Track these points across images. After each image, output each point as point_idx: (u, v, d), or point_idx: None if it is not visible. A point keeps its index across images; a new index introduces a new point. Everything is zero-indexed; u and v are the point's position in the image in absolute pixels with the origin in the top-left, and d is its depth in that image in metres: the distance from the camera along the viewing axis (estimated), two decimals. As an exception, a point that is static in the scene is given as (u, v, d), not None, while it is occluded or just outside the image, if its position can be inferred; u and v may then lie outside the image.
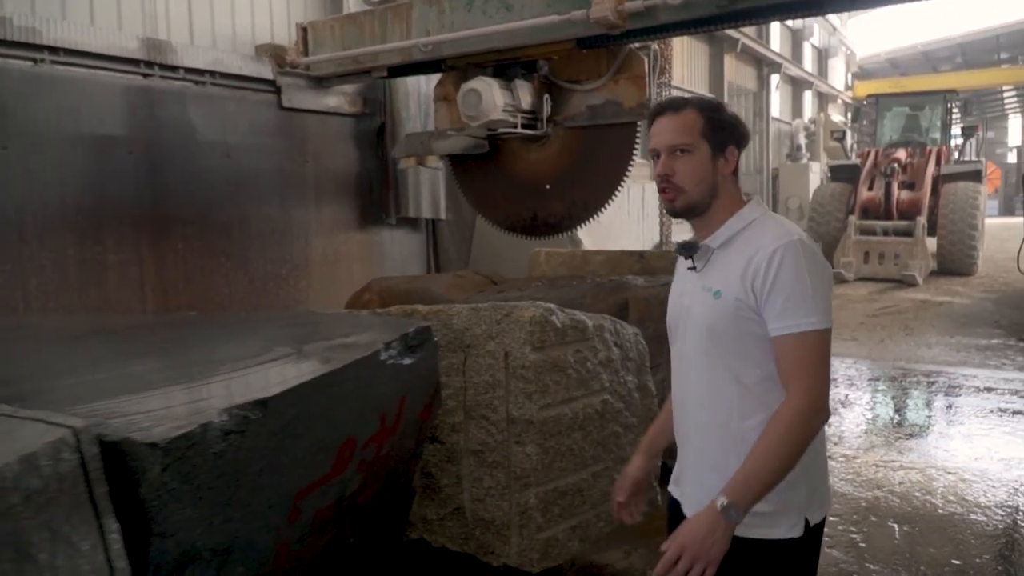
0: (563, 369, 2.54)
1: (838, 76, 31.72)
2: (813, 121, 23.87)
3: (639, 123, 5.51)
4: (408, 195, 7.43)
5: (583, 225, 5.98)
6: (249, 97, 6.16)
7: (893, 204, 13.05)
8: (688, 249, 1.70)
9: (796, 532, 1.62)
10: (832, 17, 30.22)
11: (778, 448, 1.52)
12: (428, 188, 7.60)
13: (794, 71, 24.33)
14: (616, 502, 1.86)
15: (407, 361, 2.02)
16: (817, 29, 28.12)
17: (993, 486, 4.00)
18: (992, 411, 5.39)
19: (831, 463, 4.17)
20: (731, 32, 18.24)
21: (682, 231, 13.29)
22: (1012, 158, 40.89)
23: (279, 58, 6.42)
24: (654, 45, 5.58)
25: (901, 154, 13.82)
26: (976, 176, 13.82)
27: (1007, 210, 34.15)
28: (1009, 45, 30.48)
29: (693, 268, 1.70)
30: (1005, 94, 36.62)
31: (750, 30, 20.30)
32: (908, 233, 12.40)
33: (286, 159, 6.50)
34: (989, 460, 4.40)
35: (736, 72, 20.03)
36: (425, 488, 2.67)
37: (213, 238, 5.92)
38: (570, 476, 2.59)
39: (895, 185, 13.07)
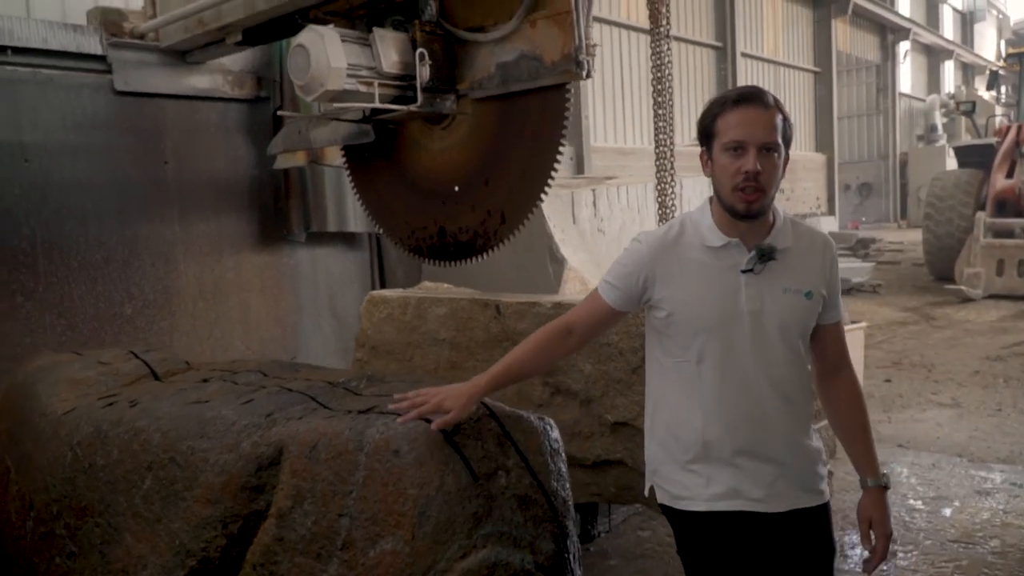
0: None
1: (988, 44, 27.40)
2: (952, 96, 20.21)
3: (569, 86, 3.51)
4: (325, 203, 5.63)
5: (500, 245, 3.91)
6: (59, 79, 4.53)
7: (1039, 196, 9.99)
8: (769, 253, 1.69)
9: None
10: (980, -25, 26.07)
11: (867, 416, 1.84)
12: (357, 193, 5.78)
13: (928, 38, 20.79)
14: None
15: None
16: (959, -11, 24.18)
17: None
18: None
19: None
20: (840, -8, 15.31)
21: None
22: None
23: (114, 26, 4.78)
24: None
25: (1054, 130, 10.61)
26: None
27: None
28: None
29: (750, 270, 1.70)
30: None
31: (867, -10, 17.19)
32: (1062, 234, 9.37)
33: (129, 161, 4.83)
34: None
35: (851, 41, 16.97)
36: None
37: (-1, 271, 4.35)
38: None
39: (1044, 171, 10.00)
